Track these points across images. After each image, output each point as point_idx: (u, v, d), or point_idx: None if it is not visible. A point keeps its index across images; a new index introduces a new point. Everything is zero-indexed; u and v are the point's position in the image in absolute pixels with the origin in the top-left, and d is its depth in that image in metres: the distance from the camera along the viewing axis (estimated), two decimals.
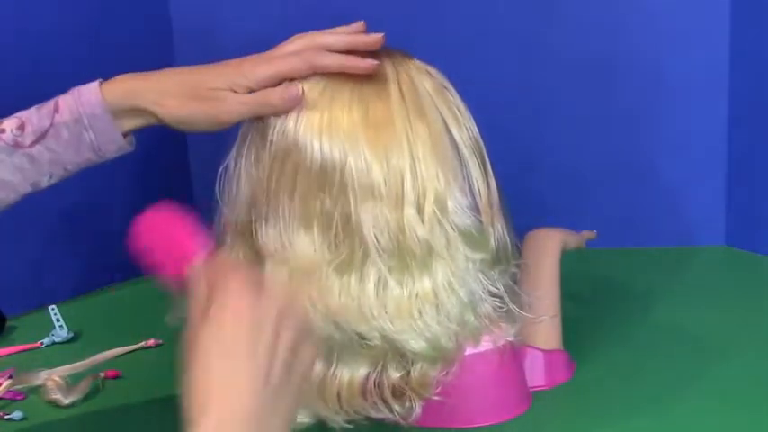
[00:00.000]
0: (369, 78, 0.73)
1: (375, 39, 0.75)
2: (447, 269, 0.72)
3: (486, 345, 0.77)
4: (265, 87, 0.73)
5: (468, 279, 0.74)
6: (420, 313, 0.72)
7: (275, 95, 0.72)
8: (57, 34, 1.16)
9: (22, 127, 0.72)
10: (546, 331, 0.86)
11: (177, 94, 0.73)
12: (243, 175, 0.75)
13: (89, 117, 0.72)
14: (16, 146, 0.72)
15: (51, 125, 0.72)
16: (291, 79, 0.73)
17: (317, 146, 0.71)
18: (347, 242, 0.71)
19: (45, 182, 0.74)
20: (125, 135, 0.75)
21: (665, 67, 1.24)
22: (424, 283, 0.72)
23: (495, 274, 0.76)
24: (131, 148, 0.76)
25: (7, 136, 0.72)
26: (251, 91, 0.72)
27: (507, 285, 0.78)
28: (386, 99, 0.72)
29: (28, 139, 0.72)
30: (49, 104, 0.74)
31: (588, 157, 1.28)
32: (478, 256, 0.74)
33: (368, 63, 0.72)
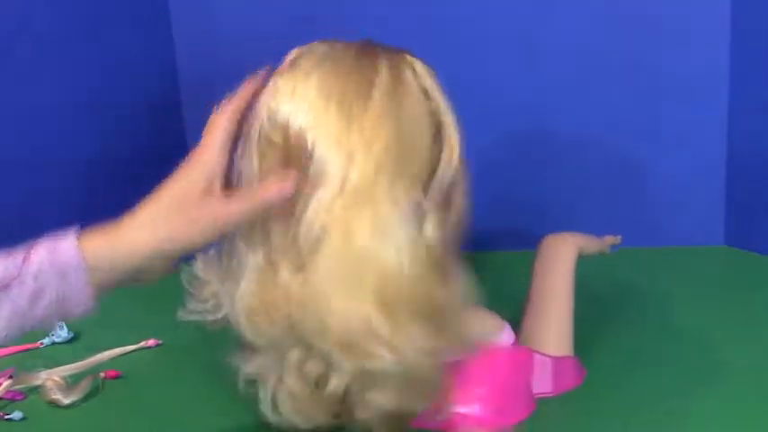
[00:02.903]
0: (357, 75, 0.72)
1: (257, 83, 0.73)
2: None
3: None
4: (225, 169, 0.70)
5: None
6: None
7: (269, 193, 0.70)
8: (57, 34, 1.16)
9: None
10: (557, 337, 0.86)
11: (177, 234, 0.69)
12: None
13: (60, 273, 0.67)
14: None
15: (18, 275, 0.66)
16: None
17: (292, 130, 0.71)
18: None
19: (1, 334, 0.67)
20: (96, 292, 0.69)
21: (665, 67, 1.24)
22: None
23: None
24: (93, 311, 0.71)
25: None
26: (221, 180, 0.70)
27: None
28: (370, 93, 0.71)
29: None
30: (21, 253, 0.67)
31: (589, 157, 1.28)
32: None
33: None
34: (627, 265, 1.20)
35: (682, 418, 0.79)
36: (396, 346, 0.69)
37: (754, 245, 1.25)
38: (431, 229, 0.72)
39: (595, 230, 1.00)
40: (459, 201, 0.76)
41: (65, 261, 0.67)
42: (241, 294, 0.73)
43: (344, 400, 0.73)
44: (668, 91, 1.25)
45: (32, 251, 0.67)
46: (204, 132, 0.72)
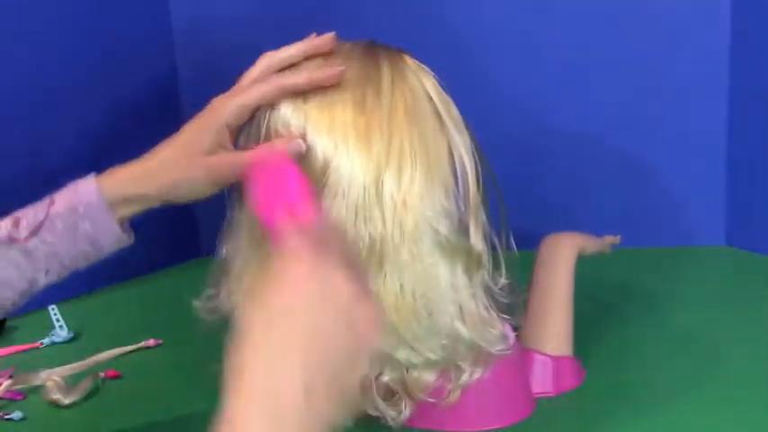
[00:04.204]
0: (365, 78, 0.73)
1: (327, 38, 0.74)
2: (411, 274, 0.71)
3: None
4: (242, 119, 0.72)
5: (443, 286, 0.72)
6: (396, 317, 0.71)
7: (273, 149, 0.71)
8: (57, 33, 1.16)
9: (16, 223, 0.71)
10: (557, 337, 0.86)
11: (172, 169, 0.72)
12: None
13: (84, 206, 0.71)
14: (11, 241, 0.70)
15: (46, 217, 0.71)
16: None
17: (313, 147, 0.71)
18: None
19: (42, 279, 0.72)
20: (122, 224, 0.73)
21: (665, 67, 1.24)
22: (388, 286, 0.71)
23: (478, 280, 0.75)
24: (131, 241, 0.74)
25: (2, 232, 0.70)
26: (229, 128, 0.72)
27: (503, 287, 0.77)
28: (379, 98, 0.72)
29: (23, 233, 0.70)
30: (45, 199, 0.72)
31: (588, 157, 1.28)
32: (456, 262, 0.73)
33: (335, 71, 0.72)
34: (627, 265, 1.20)
35: (682, 417, 0.79)
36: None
37: (754, 245, 1.25)
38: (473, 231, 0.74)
39: (595, 230, 1.00)
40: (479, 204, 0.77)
41: (87, 201, 0.71)
42: None
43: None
44: (668, 91, 1.25)
45: (56, 196, 0.72)
46: (239, 87, 0.73)
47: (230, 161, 0.71)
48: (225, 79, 0.75)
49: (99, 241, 0.72)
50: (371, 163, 0.70)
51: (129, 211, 0.73)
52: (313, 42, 0.75)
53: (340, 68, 0.71)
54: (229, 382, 0.50)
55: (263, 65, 0.74)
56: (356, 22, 1.12)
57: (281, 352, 0.48)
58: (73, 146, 1.17)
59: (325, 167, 0.70)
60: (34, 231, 0.70)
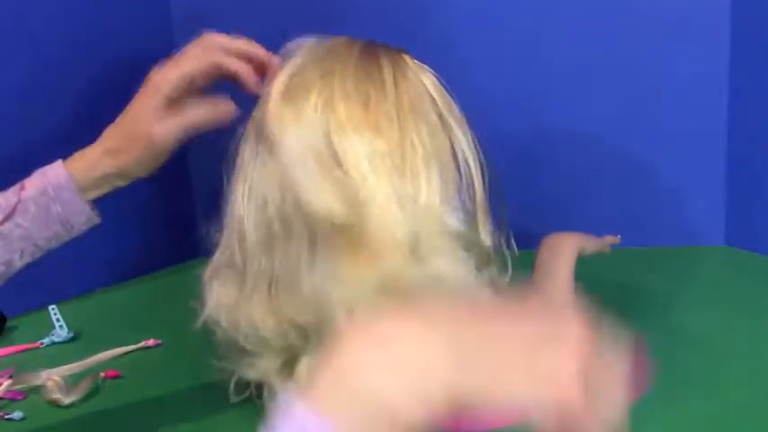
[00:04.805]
0: (367, 76, 0.73)
1: (267, 56, 0.77)
2: (433, 271, 0.72)
3: None
4: (180, 90, 0.76)
5: (459, 278, 0.73)
6: None
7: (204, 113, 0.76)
8: (56, 29, 1.16)
9: None
10: None
11: (125, 149, 0.76)
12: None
13: (54, 188, 0.74)
14: None
15: (18, 201, 0.74)
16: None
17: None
18: None
19: (17, 260, 0.75)
20: (91, 204, 0.77)
21: (665, 67, 1.24)
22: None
23: (486, 276, 0.76)
24: (98, 219, 0.78)
25: None
26: (169, 99, 0.75)
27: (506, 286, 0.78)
28: (383, 98, 0.72)
29: None
30: (16, 186, 0.76)
31: (588, 157, 1.28)
32: (469, 256, 0.74)
33: (257, 84, 0.76)
34: (627, 265, 1.20)
35: (681, 417, 0.79)
36: None
37: (754, 245, 1.25)
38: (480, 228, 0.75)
39: (595, 230, 1.00)
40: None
41: (56, 183, 0.75)
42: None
43: None
44: (668, 91, 1.25)
45: (26, 182, 0.76)
46: (180, 58, 0.77)
47: (173, 126, 0.75)
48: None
49: (70, 221, 0.75)
50: (391, 164, 0.70)
51: (96, 192, 0.77)
52: (255, 48, 0.78)
53: (260, 85, 0.76)
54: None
55: (205, 43, 0.77)
56: (355, 19, 1.12)
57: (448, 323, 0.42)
58: (72, 145, 1.17)
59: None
60: (8, 216, 0.73)
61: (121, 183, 0.77)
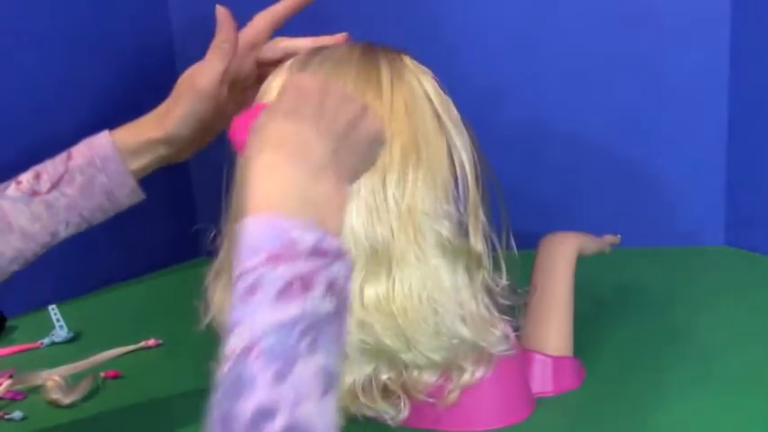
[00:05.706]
0: (366, 79, 0.73)
1: (339, 38, 0.79)
2: (418, 275, 0.72)
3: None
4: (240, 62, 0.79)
5: (446, 287, 0.73)
6: (404, 320, 0.71)
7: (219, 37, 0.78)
8: (55, 35, 1.16)
9: (38, 176, 0.75)
10: (557, 337, 0.86)
11: (171, 107, 0.77)
12: None
13: (101, 158, 0.75)
14: (33, 194, 0.74)
15: (66, 170, 0.74)
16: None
17: None
18: None
19: (62, 231, 0.76)
20: (136, 178, 0.77)
21: (665, 67, 1.24)
22: (398, 289, 0.71)
23: (479, 280, 0.75)
24: (143, 195, 0.78)
25: (24, 186, 0.74)
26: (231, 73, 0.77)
27: (503, 288, 0.77)
28: (378, 101, 0.72)
29: (44, 186, 0.74)
30: (63, 154, 0.76)
31: (588, 157, 1.28)
32: (458, 263, 0.74)
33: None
34: (627, 265, 1.20)
35: (682, 417, 0.79)
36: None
37: (754, 245, 1.25)
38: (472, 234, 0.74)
39: (595, 230, 1.00)
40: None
41: (103, 153, 0.75)
42: None
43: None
44: (668, 91, 1.25)
45: (73, 151, 0.76)
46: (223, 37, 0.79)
47: (210, 67, 0.76)
48: None
49: (114, 193, 0.76)
50: (376, 164, 0.70)
51: (140, 162, 0.76)
52: (324, 40, 0.78)
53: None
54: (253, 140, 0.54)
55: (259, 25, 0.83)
56: (357, 20, 1.12)
57: (311, 120, 0.54)
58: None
59: None
60: (55, 184, 0.74)
61: (166, 151, 0.77)
